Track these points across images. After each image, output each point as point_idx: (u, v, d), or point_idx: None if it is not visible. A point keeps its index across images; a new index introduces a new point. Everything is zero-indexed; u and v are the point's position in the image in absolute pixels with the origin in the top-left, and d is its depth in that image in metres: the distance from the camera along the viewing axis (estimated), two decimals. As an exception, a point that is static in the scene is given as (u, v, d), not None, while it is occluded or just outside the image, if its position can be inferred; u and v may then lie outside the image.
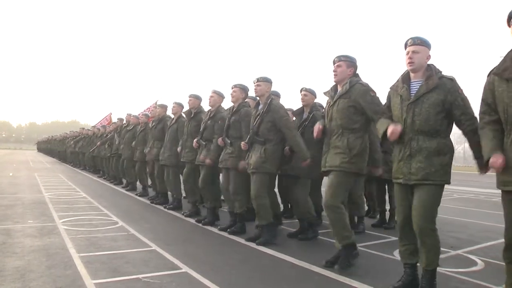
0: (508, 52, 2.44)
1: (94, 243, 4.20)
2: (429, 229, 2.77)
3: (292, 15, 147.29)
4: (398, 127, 2.81)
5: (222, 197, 6.61)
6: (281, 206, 5.99)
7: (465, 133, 2.80)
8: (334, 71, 3.54)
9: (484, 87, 2.56)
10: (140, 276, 3.16)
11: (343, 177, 3.43)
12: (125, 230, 4.90)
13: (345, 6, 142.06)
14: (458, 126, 2.82)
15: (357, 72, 3.57)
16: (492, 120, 2.51)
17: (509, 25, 2.40)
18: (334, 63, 3.56)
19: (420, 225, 2.77)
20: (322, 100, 4.86)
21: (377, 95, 3.44)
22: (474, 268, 3.69)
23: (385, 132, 2.93)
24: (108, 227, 5.03)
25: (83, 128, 18.75)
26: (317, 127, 3.64)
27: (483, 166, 2.60)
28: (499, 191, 2.50)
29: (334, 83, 3.62)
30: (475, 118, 2.73)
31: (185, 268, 3.40)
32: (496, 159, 2.37)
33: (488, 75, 2.54)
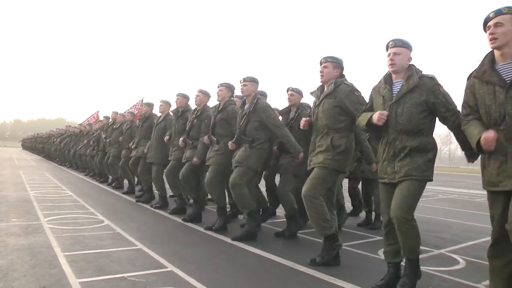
0: (485, 56, 2.51)
1: (80, 241, 4.17)
2: (406, 219, 2.78)
3: (280, 15, 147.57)
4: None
5: (208, 196, 6.65)
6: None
7: (451, 128, 2.83)
8: (320, 71, 3.59)
9: (465, 90, 2.62)
10: (126, 275, 3.15)
11: (324, 172, 3.48)
12: (111, 229, 4.88)
13: (332, 6, 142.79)
14: (444, 122, 2.87)
15: (343, 73, 3.61)
16: (476, 118, 2.57)
17: (485, 30, 2.46)
18: (321, 63, 3.61)
19: (396, 216, 2.79)
20: (309, 100, 4.90)
21: (361, 94, 3.49)
22: (456, 267, 3.76)
23: (368, 121, 2.96)
24: (94, 226, 5.00)
25: (69, 126, 18.55)
26: (305, 118, 3.69)
27: (472, 154, 2.65)
28: (483, 192, 2.56)
29: (321, 84, 3.66)
30: (459, 112, 2.74)
31: (170, 267, 3.40)
32: (489, 134, 2.33)
33: (468, 79, 2.59)
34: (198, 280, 3.09)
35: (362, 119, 3.08)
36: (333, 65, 3.56)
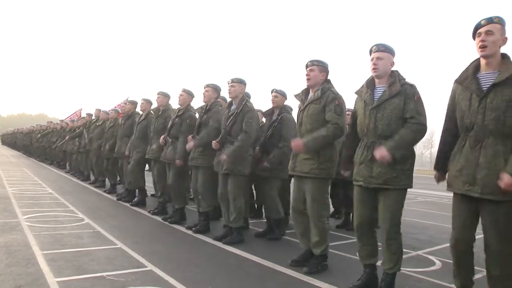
0: (472, 62, 2.57)
1: (59, 240, 4.13)
2: (395, 233, 2.91)
3: (265, 17, 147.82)
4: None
5: (191, 196, 6.64)
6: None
7: (403, 127, 2.86)
8: (307, 75, 3.56)
9: (450, 95, 2.70)
10: (105, 274, 3.14)
11: (318, 184, 3.47)
12: (91, 227, 4.84)
13: (316, 9, 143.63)
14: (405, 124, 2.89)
15: (328, 77, 3.61)
16: (449, 129, 2.68)
17: (474, 37, 2.51)
18: (307, 67, 3.59)
19: (387, 229, 2.89)
20: (292, 102, 4.93)
21: (343, 105, 3.46)
22: (432, 268, 3.85)
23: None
24: (73, 224, 4.95)
25: (51, 122, 18.23)
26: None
27: (389, 152, 2.78)
28: None
29: (306, 87, 3.67)
30: (420, 123, 2.82)
31: (150, 266, 3.40)
32: (435, 175, 2.79)
33: (454, 83, 2.66)
34: (177, 279, 3.10)
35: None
36: (320, 68, 3.55)
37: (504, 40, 2.43)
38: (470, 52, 2.58)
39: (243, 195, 4.50)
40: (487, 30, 2.41)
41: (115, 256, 3.68)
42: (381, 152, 2.76)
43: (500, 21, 2.42)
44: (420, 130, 2.84)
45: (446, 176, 2.70)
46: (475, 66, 2.53)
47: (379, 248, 3.09)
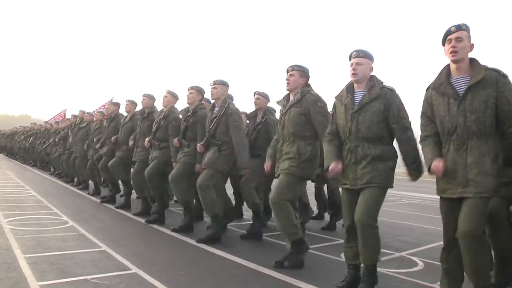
0: (443, 68, 2.66)
1: (42, 243, 4.09)
2: (370, 225, 2.90)
3: (248, 20, 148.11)
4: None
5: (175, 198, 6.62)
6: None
7: (397, 141, 2.99)
8: (287, 79, 3.64)
9: (423, 101, 2.77)
10: (89, 277, 3.13)
11: (290, 178, 3.54)
12: (75, 230, 4.80)
13: (298, 13, 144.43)
14: (393, 133, 2.99)
15: (309, 82, 3.68)
16: (433, 133, 2.72)
17: (443, 44, 2.61)
18: (287, 71, 3.66)
19: (361, 221, 2.89)
20: (275, 104, 4.97)
21: (325, 106, 3.55)
22: (414, 269, 3.90)
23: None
24: (57, 227, 4.91)
25: (35, 123, 17.97)
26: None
27: (415, 173, 2.92)
28: None
29: (287, 93, 3.73)
30: (407, 128, 2.93)
31: (134, 269, 3.39)
32: (438, 163, 2.57)
33: (427, 90, 2.74)
34: (162, 281, 3.10)
35: (326, 156, 3.20)
36: (299, 73, 3.62)
37: (471, 47, 2.56)
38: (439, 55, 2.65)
39: (214, 188, 4.49)
40: (457, 36, 2.53)
41: (99, 259, 3.66)
42: (412, 179, 2.98)
43: (467, 29, 2.56)
44: (410, 135, 2.96)
45: (436, 183, 2.71)
46: (447, 72, 2.63)
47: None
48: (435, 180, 2.72)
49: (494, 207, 3.05)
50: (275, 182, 3.64)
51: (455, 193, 2.52)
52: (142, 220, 5.64)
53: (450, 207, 2.60)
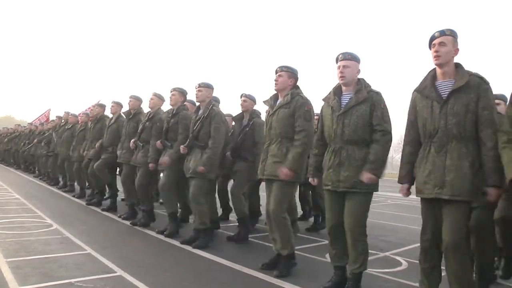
0: (429, 72, 2.73)
1: (25, 247, 4.03)
2: (361, 234, 3.00)
3: (236, 22, 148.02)
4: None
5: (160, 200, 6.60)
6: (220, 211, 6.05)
7: (372, 140, 3.00)
8: (275, 80, 3.62)
9: (409, 104, 2.82)
10: (73, 280, 3.10)
11: (283, 186, 3.52)
12: (59, 233, 4.75)
13: (286, 14, 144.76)
14: (372, 134, 3.01)
15: (297, 83, 3.66)
16: (410, 140, 2.80)
17: (430, 48, 2.67)
18: (276, 72, 3.65)
19: (352, 230, 2.97)
20: (261, 106, 5.00)
21: (312, 110, 3.54)
22: (398, 268, 3.96)
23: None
24: (41, 230, 4.84)
25: (19, 125, 17.70)
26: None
27: (372, 173, 2.94)
28: None
29: (274, 93, 3.73)
30: (386, 132, 2.97)
31: (119, 272, 3.37)
32: (403, 189, 2.81)
33: (413, 93, 2.80)
34: (147, 283, 3.09)
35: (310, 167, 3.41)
36: (288, 74, 3.60)
37: (456, 51, 2.63)
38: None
39: (206, 198, 4.51)
40: (440, 41, 2.60)
41: (84, 262, 3.62)
42: (366, 176, 2.91)
43: (451, 33, 2.62)
44: (388, 139, 2.99)
45: (414, 183, 2.79)
46: (432, 76, 2.69)
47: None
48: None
49: (481, 221, 3.15)
50: (271, 192, 3.60)
51: (431, 194, 2.58)
52: (127, 223, 5.60)
53: (429, 208, 2.66)
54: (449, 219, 2.52)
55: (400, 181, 2.82)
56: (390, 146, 3.02)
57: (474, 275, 3.11)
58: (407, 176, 2.79)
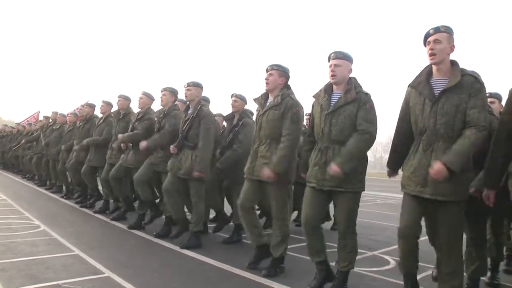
0: (425, 67, 2.72)
1: (12, 248, 3.99)
2: (351, 233, 3.03)
3: (226, 22, 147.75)
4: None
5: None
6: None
7: (353, 135, 2.98)
8: (266, 79, 3.59)
9: (404, 97, 2.83)
10: (60, 282, 3.08)
11: (279, 188, 3.52)
12: (47, 234, 4.71)
13: (276, 13, 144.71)
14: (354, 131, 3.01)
15: (288, 83, 3.64)
16: (404, 131, 2.81)
17: (425, 45, 2.66)
18: (267, 71, 3.62)
19: (343, 230, 3.01)
20: (252, 106, 4.99)
21: (301, 112, 3.53)
22: (386, 267, 3.99)
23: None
24: (28, 232, 4.80)
25: (6, 125, 17.47)
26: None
27: (339, 165, 2.91)
28: None
29: (265, 91, 3.70)
30: (367, 132, 2.95)
31: (107, 273, 3.36)
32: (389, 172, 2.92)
33: (408, 87, 2.80)
34: (135, 284, 3.09)
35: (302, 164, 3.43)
36: (279, 73, 3.57)
37: (452, 48, 2.60)
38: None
39: (203, 200, 4.52)
40: (435, 39, 2.58)
41: (72, 263, 3.60)
42: (333, 169, 2.90)
43: (447, 30, 2.59)
44: (367, 139, 2.96)
45: (401, 175, 2.84)
46: (428, 72, 2.68)
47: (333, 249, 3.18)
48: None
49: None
50: (269, 195, 3.60)
51: (414, 191, 2.62)
52: (117, 224, 5.58)
53: (410, 203, 2.69)
54: (441, 218, 2.57)
55: (388, 165, 2.99)
56: (367, 145, 2.99)
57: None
58: (391, 164, 2.96)
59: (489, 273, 3.45)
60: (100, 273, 3.35)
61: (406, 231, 2.64)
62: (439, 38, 2.57)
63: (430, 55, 2.59)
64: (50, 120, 9.87)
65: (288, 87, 3.63)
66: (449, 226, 2.56)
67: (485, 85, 2.57)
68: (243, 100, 4.89)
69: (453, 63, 2.62)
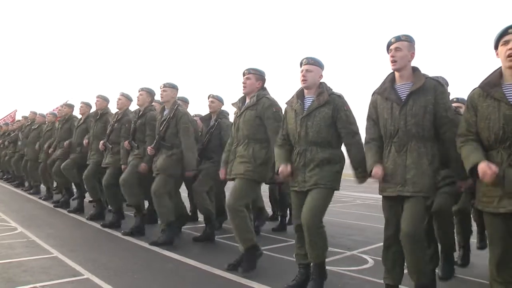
0: (388, 75, 2.88)
1: (-13, 251, 3.93)
2: (316, 227, 3.00)
3: (204, 23, 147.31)
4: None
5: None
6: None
7: (345, 145, 3.13)
8: (243, 83, 3.67)
9: (369, 105, 2.95)
10: (38, 285, 3.05)
11: (246, 183, 3.58)
12: (24, 237, 4.64)
13: (255, 15, 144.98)
14: (342, 138, 3.11)
15: (265, 85, 3.73)
16: (376, 136, 2.89)
17: (388, 53, 2.81)
18: (243, 75, 3.70)
19: (307, 222, 2.99)
20: (229, 107, 5.04)
21: (280, 111, 3.59)
22: (364, 266, 4.06)
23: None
24: (5, 234, 4.73)
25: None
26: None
27: (361, 176, 3.04)
28: None
29: (243, 95, 3.77)
30: (355, 133, 3.08)
31: (87, 275, 3.34)
32: (377, 170, 2.76)
33: (373, 95, 2.93)
34: (115, 286, 3.08)
35: (277, 159, 3.27)
36: (256, 77, 3.66)
37: (412, 55, 2.78)
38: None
39: (168, 195, 4.51)
40: (396, 47, 2.75)
41: (50, 265, 3.57)
42: (361, 181, 3.08)
43: (407, 39, 2.77)
44: (358, 139, 3.09)
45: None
46: (391, 79, 2.84)
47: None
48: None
49: (442, 205, 3.38)
50: (232, 187, 3.66)
51: (394, 192, 2.71)
52: (96, 225, 5.54)
53: (392, 206, 2.78)
54: (409, 211, 2.65)
55: (372, 166, 2.80)
56: (361, 143, 3.09)
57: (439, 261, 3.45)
58: (378, 162, 2.81)
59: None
60: (79, 275, 3.33)
61: (396, 239, 2.71)
62: (400, 46, 2.73)
63: (392, 62, 2.75)
64: (28, 120, 9.71)
65: (264, 89, 3.72)
66: (416, 215, 2.65)
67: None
68: (220, 101, 4.94)
69: (415, 69, 2.78)
